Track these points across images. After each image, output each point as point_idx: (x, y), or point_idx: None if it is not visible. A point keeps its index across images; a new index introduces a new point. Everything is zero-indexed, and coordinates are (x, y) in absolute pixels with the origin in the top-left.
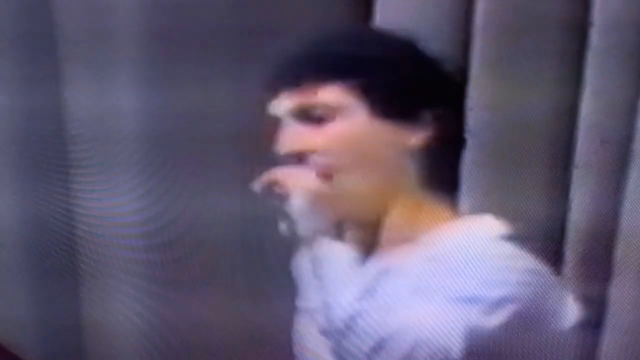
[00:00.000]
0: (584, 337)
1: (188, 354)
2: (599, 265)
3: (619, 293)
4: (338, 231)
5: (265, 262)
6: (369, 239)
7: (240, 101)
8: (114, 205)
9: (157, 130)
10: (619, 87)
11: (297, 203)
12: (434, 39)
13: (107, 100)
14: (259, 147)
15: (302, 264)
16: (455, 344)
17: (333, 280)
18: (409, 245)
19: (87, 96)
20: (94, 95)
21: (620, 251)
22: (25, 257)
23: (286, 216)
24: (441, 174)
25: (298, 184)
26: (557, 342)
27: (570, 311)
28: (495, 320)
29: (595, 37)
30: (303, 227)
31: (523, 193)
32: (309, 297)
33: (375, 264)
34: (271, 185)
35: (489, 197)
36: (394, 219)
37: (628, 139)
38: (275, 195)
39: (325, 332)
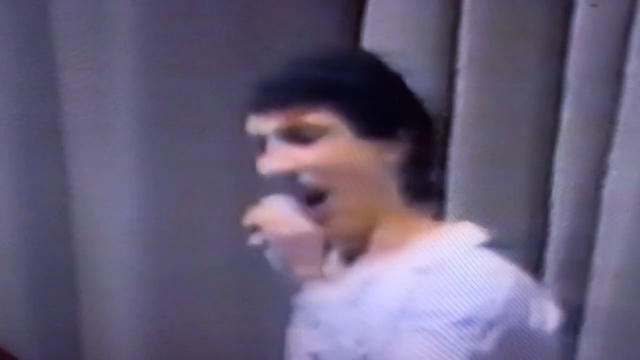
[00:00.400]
0: (565, 341)
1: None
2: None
3: (596, 297)
4: (325, 248)
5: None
6: (356, 251)
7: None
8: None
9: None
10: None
11: (276, 253)
12: (418, 65)
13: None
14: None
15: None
16: None
17: (332, 325)
18: (393, 254)
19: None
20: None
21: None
22: (23, 262)
23: (272, 264)
24: (419, 185)
25: (276, 231)
26: (542, 350)
27: (552, 317)
28: (491, 342)
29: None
30: (283, 273)
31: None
32: (310, 345)
33: (361, 272)
34: (253, 230)
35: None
36: (380, 230)
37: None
38: (258, 240)
39: None
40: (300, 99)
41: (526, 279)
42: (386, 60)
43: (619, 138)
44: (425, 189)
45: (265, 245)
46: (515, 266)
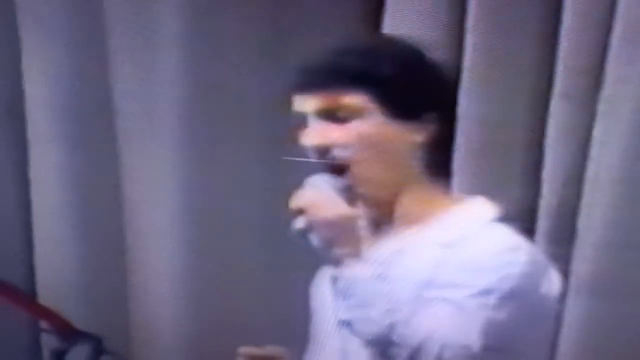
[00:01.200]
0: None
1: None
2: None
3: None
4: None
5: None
6: (383, 222)
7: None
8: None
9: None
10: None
11: (319, 235)
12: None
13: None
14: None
15: (321, 284)
16: (474, 339)
17: (360, 297)
18: (417, 228)
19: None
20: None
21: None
22: (78, 234)
23: (311, 243)
24: (440, 163)
25: (319, 214)
26: (550, 315)
27: (556, 284)
28: (506, 312)
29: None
30: (326, 252)
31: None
32: (331, 316)
33: (389, 246)
34: (297, 213)
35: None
36: (403, 204)
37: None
38: (300, 224)
39: (366, 344)
40: (339, 83)
41: (537, 252)
42: (421, 48)
43: (601, 119)
44: (445, 166)
45: (309, 228)
46: (526, 240)
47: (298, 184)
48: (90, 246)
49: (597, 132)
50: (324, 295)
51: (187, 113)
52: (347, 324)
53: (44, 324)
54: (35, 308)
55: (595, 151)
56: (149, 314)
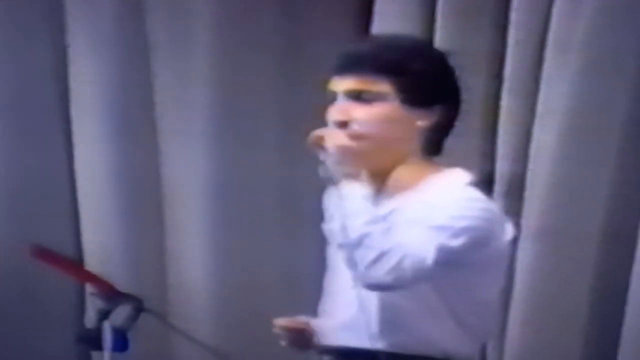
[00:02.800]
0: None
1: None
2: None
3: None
4: (359, 177)
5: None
6: (380, 185)
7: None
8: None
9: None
10: None
11: (331, 154)
12: None
13: None
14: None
15: (330, 198)
16: (429, 255)
17: (351, 209)
18: (409, 191)
19: None
20: None
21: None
22: (120, 204)
23: (324, 163)
24: (433, 145)
25: (334, 141)
26: (501, 255)
27: (509, 232)
28: (459, 242)
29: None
30: (334, 171)
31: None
32: (332, 221)
33: (386, 205)
34: (317, 140)
35: None
36: (399, 173)
37: None
38: (318, 147)
39: (341, 246)
40: (370, 70)
41: (494, 206)
42: (442, 51)
43: (540, 108)
44: (438, 146)
45: (327, 156)
46: (486, 197)
47: (309, 169)
48: (131, 219)
49: (537, 118)
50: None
51: (217, 109)
52: (332, 232)
53: (90, 288)
54: (82, 274)
55: (536, 133)
56: (184, 277)
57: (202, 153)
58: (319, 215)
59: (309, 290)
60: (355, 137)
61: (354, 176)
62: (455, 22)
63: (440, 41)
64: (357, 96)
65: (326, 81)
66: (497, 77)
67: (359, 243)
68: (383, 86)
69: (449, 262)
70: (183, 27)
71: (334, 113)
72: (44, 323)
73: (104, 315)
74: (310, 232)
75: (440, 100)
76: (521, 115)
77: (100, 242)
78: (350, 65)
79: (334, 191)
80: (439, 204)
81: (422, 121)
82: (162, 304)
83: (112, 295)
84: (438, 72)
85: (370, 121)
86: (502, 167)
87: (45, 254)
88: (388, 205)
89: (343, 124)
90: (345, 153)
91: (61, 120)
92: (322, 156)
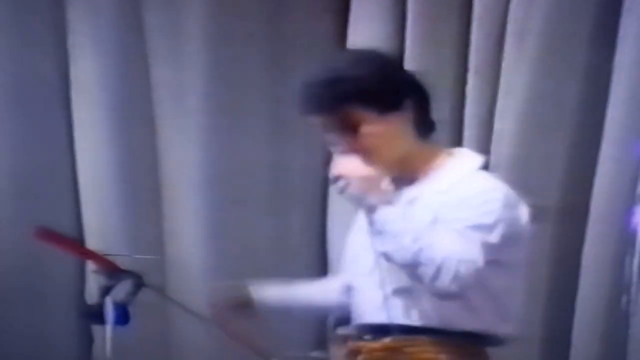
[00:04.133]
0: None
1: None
2: None
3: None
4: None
5: None
6: (398, 180)
7: None
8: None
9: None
10: None
11: (354, 188)
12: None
13: None
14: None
15: (355, 236)
16: (478, 256)
17: (393, 231)
18: (423, 179)
19: None
20: None
21: None
22: (119, 187)
23: (349, 197)
24: (425, 128)
25: (353, 174)
26: (523, 236)
27: (525, 212)
28: (496, 236)
29: None
30: (359, 205)
31: None
32: (378, 244)
33: (405, 195)
34: (336, 179)
35: None
36: (409, 165)
37: None
38: (340, 185)
39: (402, 267)
40: (334, 105)
41: (509, 190)
42: (382, 53)
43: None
44: (429, 127)
45: (345, 187)
46: (501, 181)
47: (296, 154)
48: (130, 201)
49: (499, 103)
50: (359, 241)
51: (211, 98)
52: (384, 255)
53: (92, 266)
54: (85, 252)
55: (497, 114)
56: (181, 254)
57: (198, 136)
58: (304, 196)
59: (297, 264)
60: (364, 158)
61: (384, 202)
62: (425, 16)
63: (411, 35)
64: (338, 127)
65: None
66: (464, 64)
67: (413, 262)
68: (356, 112)
69: (493, 257)
70: (178, 24)
71: (334, 150)
72: (47, 301)
73: (106, 291)
74: (297, 210)
75: (406, 96)
76: (485, 98)
77: (101, 223)
78: (314, 105)
79: (360, 223)
80: (461, 196)
81: (404, 118)
82: (160, 279)
83: (113, 272)
84: (391, 77)
85: (368, 143)
86: (468, 148)
87: (50, 235)
88: (408, 194)
89: (349, 154)
90: (368, 182)
91: (63, 111)
92: (345, 192)
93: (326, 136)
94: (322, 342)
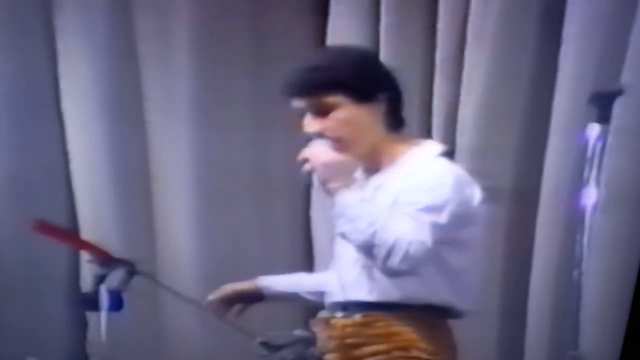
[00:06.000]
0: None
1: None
2: None
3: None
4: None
5: None
6: (367, 166)
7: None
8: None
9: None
10: None
11: (317, 172)
12: None
13: None
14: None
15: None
16: (427, 237)
17: (351, 215)
18: (389, 167)
19: None
20: None
21: None
22: (111, 185)
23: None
24: (395, 122)
25: (318, 159)
26: (476, 216)
27: (478, 194)
28: (445, 216)
29: None
30: (326, 188)
31: None
32: (339, 226)
33: (373, 181)
34: (303, 162)
35: None
36: (378, 154)
37: None
38: (305, 168)
39: (357, 248)
40: (315, 91)
41: (463, 173)
42: (366, 50)
43: (464, 88)
44: (400, 121)
45: (310, 170)
46: (455, 165)
47: (280, 148)
48: (122, 193)
49: (462, 97)
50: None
51: (198, 94)
52: (342, 235)
53: (87, 255)
54: (80, 243)
55: (461, 108)
56: (171, 242)
57: (186, 133)
58: (288, 188)
59: (282, 253)
60: (334, 145)
61: (345, 187)
62: (396, 21)
63: (384, 36)
64: (317, 110)
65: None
66: (431, 65)
67: (368, 244)
68: (333, 99)
69: (444, 237)
70: (167, 28)
71: (307, 127)
72: (43, 290)
73: (100, 279)
74: (281, 202)
75: (382, 89)
76: (449, 94)
77: (95, 214)
78: (298, 91)
79: (334, 201)
80: (416, 181)
81: (376, 110)
82: (152, 266)
83: (107, 260)
84: (370, 70)
85: (338, 126)
86: (437, 138)
87: (46, 227)
88: (374, 181)
89: (320, 134)
90: (331, 167)
91: (55, 112)
92: (310, 175)
93: (304, 120)
94: (306, 321)
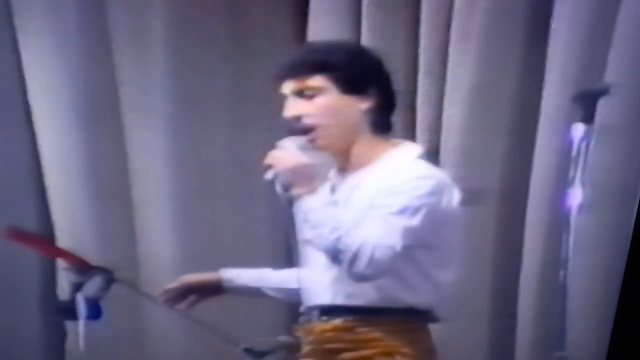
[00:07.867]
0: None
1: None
2: None
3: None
4: (313, 191)
5: None
6: (343, 164)
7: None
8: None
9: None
10: None
11: (281, 177)
12: None
13: None
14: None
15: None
16: (396, 241)
17: (315, 221)
18: (367, 167)
19: None
20: None
21: None
22: (89, 189)
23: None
24: (381, 123)
25: (282, 164)
26: (453, 218)
27: (457, 197)
28: (418, 220)
29: None
30: (287, 195)
31: None
32: (305, 231)
33: (349, 181)
34: (267, 167)
35: None
36: (355, 151)
37: None
38: (269, 174)
39: (323, 253)
40: (304, 71)
41: (441, 176)
42: (363, 46)
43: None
44: (386, 124)
45: (275, 177)
46: (434, 167)
47: (258, 145)
48: (99, 197)
49: (447, 96)
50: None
51: (176, 94)
52: (308, 241)
53: (63, 263)
54: (55, 250)
55: (445, 108)
56: (151, 248)
57: (164, 133)
58: (268, 187)
59: (264, 253)
60: (309, 132)
61: (308, 192)
62: (378, 18)
63: (366, 35)
64: (301, 94)
65: (270, 68)
66: (414, 64)
67: (332, 249)
68: (319, 82)
69: (415, 241)
70: (142, 25)
71: (287, 111)
72: (19, 298)
73: (77, 287)
74: (261, 200)
75: (372, 85)
76: (434, 93)
77: (71, 220)
78: (289, 70)
79: (297, 206)
80: (393, 183)
81: (362, 105)
82: (133, 272)
83: (84, 268)
84: (363, 63)
85: (319, 112)
86: (421, 138)
87: (20, 235)
88: (350, 181)
89: (298, 118)
90: (295, 172)
91: (25, 114)
92: (275, 180)
93: (286, 104)
94: (290, 327)
